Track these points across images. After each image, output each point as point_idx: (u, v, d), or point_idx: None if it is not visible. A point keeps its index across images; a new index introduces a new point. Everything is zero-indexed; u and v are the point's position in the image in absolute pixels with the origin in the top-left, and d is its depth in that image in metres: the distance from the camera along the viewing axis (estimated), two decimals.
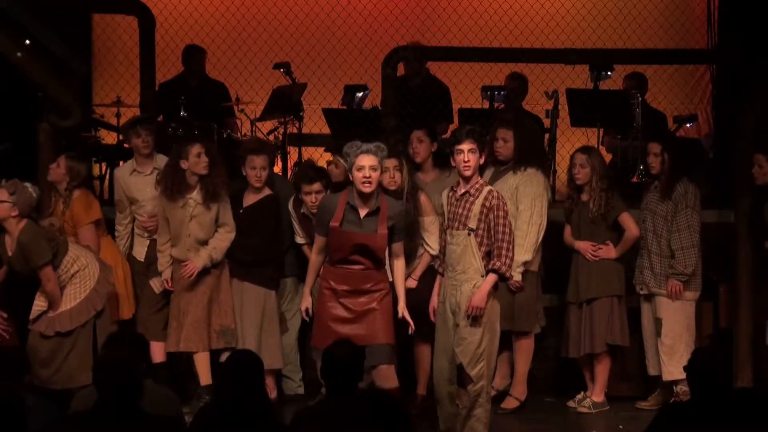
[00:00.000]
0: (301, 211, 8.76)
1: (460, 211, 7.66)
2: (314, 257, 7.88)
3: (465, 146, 7.61)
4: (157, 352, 8.79)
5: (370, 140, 7.79)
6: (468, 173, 7.64)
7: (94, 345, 8.31)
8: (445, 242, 7.74)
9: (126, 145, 10.85)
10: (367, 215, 7.58)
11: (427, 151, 8.99)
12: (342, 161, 8.93)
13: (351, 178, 7.58)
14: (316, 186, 8.61)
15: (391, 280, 7.81)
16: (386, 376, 7.62)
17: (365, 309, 7.62)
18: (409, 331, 7.75)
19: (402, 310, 7.69)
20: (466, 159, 7.60)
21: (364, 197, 7.55)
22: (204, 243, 8.68)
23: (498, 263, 7.59)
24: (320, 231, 7.76)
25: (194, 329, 8.64)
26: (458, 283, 7.63)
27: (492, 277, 7.60)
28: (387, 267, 7.83)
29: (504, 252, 7.60)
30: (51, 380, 8.23)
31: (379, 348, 7.59)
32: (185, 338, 8.65)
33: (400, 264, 7.79)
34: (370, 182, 7.50)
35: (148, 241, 9.03)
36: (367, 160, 7.51)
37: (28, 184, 8.23)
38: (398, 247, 7.75)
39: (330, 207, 7.67)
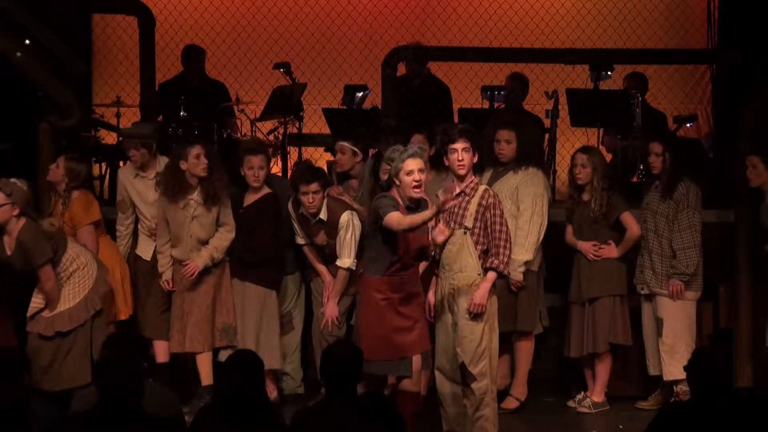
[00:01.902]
0: (300, 211, 8.76)
1: (456, 210, 7.65)
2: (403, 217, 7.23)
3: (459, 145, 7.60)
4: (163, 351, 8.81)
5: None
6: (462, 172, 7.63)
7: (90, 346, 8.30)
8: None
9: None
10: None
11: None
12: (348, 145, 8.96)
13: (397, 183, 7.37)
14: (314, 186, 8.60)
15: None
16: (417, 381, 7.59)
17: (419, 315, 7.53)
18: None
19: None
20: (460, 158, 7.59)
21: (414, 199, 7.42)
22: (205, 243, 8.69)
23: (496, 261, 7.60)
24: (392, 209, 7.22)
25: (200, 329, 8.64)
26: (456, 282, 7.63)
27: (492, 275, 7.60)
28: None
29: (501, 250, 7.61)
30: (49, 381, 8.22)
31: (425, 355, 7.58)
32: (190, 338, 8.66)
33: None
34: (420, 186, 7.33)
35: (154, 241, 9.02)
36: (415, 164, 7.32)
37: (15, 180, 8.21)
38: None
39: (392, 200, 7.33)
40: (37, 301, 8.35)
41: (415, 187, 7.31)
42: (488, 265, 7.61)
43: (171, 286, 8.79)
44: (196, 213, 8.68)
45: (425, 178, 7.39)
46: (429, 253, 7.54)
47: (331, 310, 8.64)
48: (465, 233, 7.62)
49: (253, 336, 8.71)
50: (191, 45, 11.73)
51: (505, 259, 7.63)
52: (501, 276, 7.72)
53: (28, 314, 8.37)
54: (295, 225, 8.85)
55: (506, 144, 8.86)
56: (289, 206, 8.86)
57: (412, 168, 7.32)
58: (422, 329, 7.55)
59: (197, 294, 8.69)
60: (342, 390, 5.88)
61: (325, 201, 8.68)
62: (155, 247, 8.95)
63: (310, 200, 8.60)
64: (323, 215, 8.68)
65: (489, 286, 7.58)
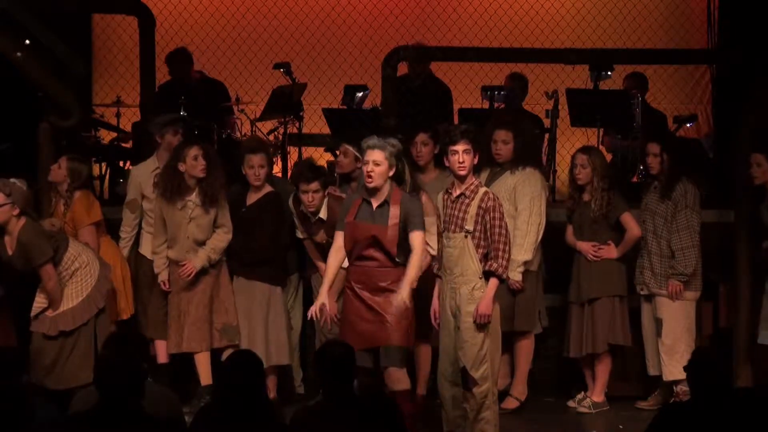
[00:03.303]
0: (300, 209, 8.77)
1: (456, 213, 7.64)
2: (332, 255, 7.69)
3: (460, 147, 7.58)
4: (163, 351, 8.81)
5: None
6: (463, 173, 7.62)
7: (94, 344, 8.31)
8: (442, 245, 7.72)
9: (125, 144, 10.88)
10: (379, 207, 7.53)
11: (430, 154, 8.97)
12: (351, 149, 8.99)
13: None
14: (314, 185, 8.61)
15: None
16: (397, 379, 7.59)
17: (389, 310, 7.52)
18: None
19: (403, 298, 7.45)
20: (461, 160, 7.58)
21: (370, 191, 7.54)
22: (202, 244, 8.68)
23: (495, 265, 7.57)
24: (339, 226, 7.69)
25: (197, 329, 8.65)
26: (457, 286, 7.60)
27: (494, 282, 7.57)
28: None
29: (501, 254, 7.58)
30: (53, 380, 8.23)
31: (392, 350, 7.57)
32: (188, 338, 8.66)
33: (414, 254, 7.51)
34: (371, 177, 7.48)
35: None
36: (370, 155, 7.51)
37: (14, 180, 8.21)
38: (413, 236, 7.50)
39: (349, 203, 7.67)
40: (40, 301, 8.35)
41: (367, 177, 7.50)
42: (488, 268, 7.58)
43: (167, 286, 8.79)
44: (194, 214, 8.68)
45: (381, 170, 7.49)
46: (390, 249, 7.52)
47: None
48: (466, 237, 7.60)
49: (261, 333, 8.71)
50: (173, 51, 11.59)
51: (504, 263, 7.60)
52: (501, 281, 7.71)
53: (32, 314, 8.37)
54: (296, 221, 8.86)
55: (503, 144, 8.86)
56: (290, 203, 8.87)
57: (367, 159, 7.51)
58: (391, 324, 7.50)
59: (194, 294, 8.69)
60: (336, 389, 5.88)
61: (325, 200, 8.69)
62: None
63: (310, 199, 8.61)
64: (323, 214, 8.68)
65: (492, 294, 7.57)
